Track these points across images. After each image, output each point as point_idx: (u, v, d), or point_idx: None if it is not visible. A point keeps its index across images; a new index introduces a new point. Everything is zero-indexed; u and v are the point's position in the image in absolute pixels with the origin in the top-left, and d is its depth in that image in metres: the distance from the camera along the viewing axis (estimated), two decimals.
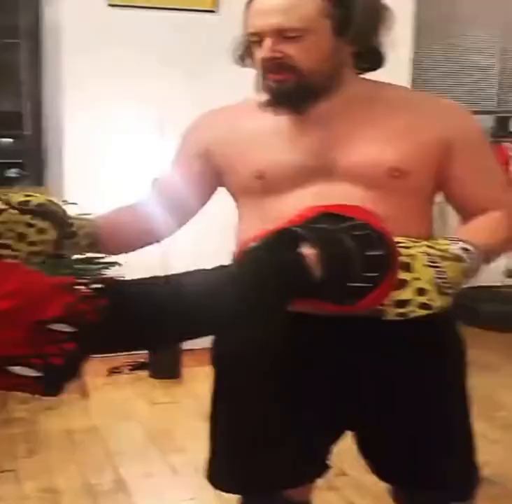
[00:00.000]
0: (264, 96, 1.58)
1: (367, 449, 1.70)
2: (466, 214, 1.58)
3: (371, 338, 1.56)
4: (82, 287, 0.99)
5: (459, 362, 1.69)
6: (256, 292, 1.08)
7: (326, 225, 1.17)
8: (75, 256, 3.64)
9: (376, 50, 1.58)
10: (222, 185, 1.72)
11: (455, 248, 1.30)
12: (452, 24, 5.21)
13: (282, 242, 1.15)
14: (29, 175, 4.32)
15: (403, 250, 1.22)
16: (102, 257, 3.71)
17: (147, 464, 3.03)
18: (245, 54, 1.61)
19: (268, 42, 1.50)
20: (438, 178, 1.58)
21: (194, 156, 1.70)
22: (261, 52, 1.52)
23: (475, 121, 1.63)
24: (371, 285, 1.15)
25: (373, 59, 1.61)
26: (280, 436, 1.66)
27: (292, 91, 1.52)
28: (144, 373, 3.95)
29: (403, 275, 1.20)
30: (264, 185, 1.60)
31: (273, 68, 1.52)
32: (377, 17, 1.55)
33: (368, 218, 1.19)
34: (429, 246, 1.26)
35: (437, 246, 1.28)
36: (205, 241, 3.70)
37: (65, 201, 3.79)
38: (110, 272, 3.69)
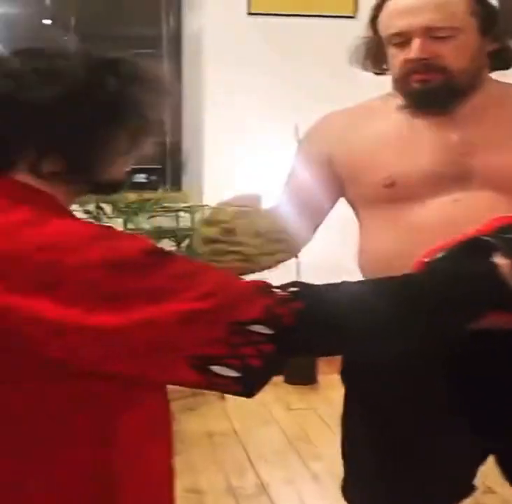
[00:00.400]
0: (396, 98, 1.53)
1: None
2: None
3: None
4: (279, 290, 1.00)
5: None
6: (446, 303, 1.06)
7: None
8: None
9: (510, 49, 1.53)
10: (343, 193, 1.65)
11: None
12: None
13: (472, 252, 1.12)
14: (171, 180, 4.44)
15: None
16: None
17: (287, 469, 3.04)
18: (370, 57, 1.57)
19: (417, 42, 1.45)
20: None
21: (317, 160, 1.64)
22: (407, 53, 1.47)
23: None
24: None
25: (507, 57, 1.55)
26: (428, 456, 1.58)
27: (439, 91, 1.48)
28: (279, 378, 3.96)
29: None
30: (394, 194, 1.52)
31: (420, 69, 1.47)
32: None
33: None
34: None
35: None
36: (333, 245, 3.67)
37: (207, 206, 3.87)
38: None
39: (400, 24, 1.47)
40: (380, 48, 1.55)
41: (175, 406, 3.71)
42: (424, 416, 1.57)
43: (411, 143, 1.54)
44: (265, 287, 1.00)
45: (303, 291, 1.00)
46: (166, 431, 1.07)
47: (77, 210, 3.57)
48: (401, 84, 1.52)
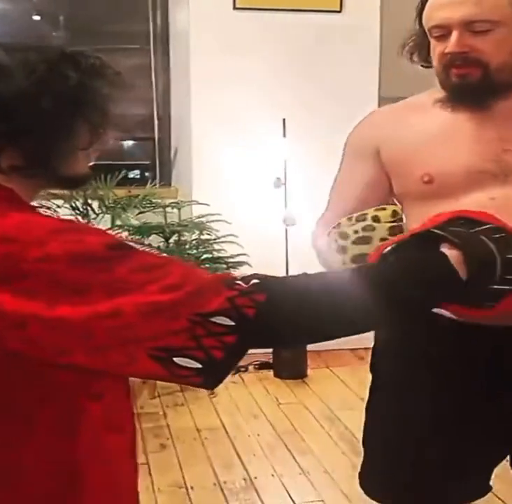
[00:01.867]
0: (441, 93, 1.52)
1: None
2: None
3: None
4: (241, 282, 1.00)
5: None
6: (400, 292, 1.06)
7: (462, 228, 1.16)
8: (204, 256, 3.70)
9: None
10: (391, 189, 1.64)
11: None
12: None
13: (422, 243, 1.14)
14: (160, 176, 4.43)
15: None
16: (229, 257, 3.76)
17: (275, 464, 3.04)
18: (415, 50, 1.56)
19: (455, 35, 1.43)
20: None
21: (366, 156, 1.63)
22: (444, 46, 1.46)
23: None
24: (510, 288, 1.12)
25: None
26: (443, 454, 1.58)
27: (476, 86, 1.46)
28: (269, 372, 3.96)
29: None
30: (433, 191, 1.52)
31: (458, 63, 1.45)
32: None
33: (502, 223, 1.17)
34: None
35: None
36: None
37: (195, 202, 3.88)
38: (237, 272, 3.73)
39: (440, 17, 1.45)
40: (425, 41, 1.54)
41: (164, 401, 3.70)
42: (443, 412, 1.57)
43: (450, 139, 1.52)
44: (229, 279, 1.00)
45: (265, 283, 1.01)
46: (128, 423, 1.08)
47: (63, 206, 3.59)
48: (442, 77, 1.51)
